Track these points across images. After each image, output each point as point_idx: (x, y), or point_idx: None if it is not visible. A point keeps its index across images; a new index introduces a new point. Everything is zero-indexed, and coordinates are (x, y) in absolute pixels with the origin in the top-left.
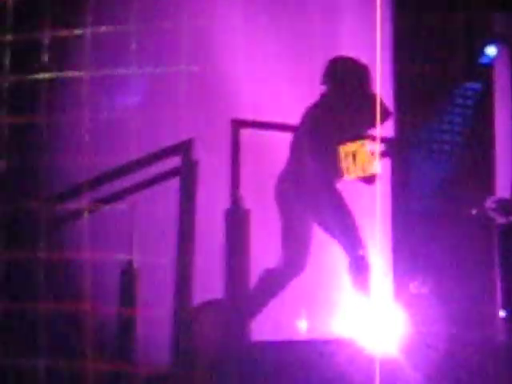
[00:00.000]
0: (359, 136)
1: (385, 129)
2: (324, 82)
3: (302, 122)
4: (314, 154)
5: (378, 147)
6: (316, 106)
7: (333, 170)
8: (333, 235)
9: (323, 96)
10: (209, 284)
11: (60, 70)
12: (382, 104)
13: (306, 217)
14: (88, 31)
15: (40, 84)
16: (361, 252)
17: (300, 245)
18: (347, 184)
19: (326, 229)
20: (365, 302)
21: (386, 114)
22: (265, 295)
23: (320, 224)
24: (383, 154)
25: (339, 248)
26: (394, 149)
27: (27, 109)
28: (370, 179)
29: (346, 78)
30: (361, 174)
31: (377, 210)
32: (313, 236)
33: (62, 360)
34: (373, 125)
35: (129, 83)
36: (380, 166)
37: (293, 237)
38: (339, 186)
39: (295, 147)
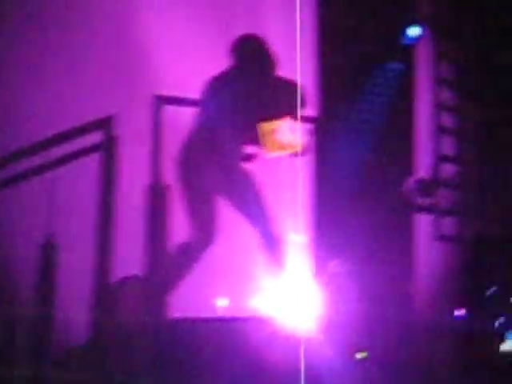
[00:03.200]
0: (279, 114)
1: (307, 108)
2: (241, 61)
3: (216, 94)
4: (233, 130)
5: (300, 125)
6: (232, 79)
7: (252, 146)
8: (243, 210)
9: (239, 73)
10: (129, 260)
11: None
12: (299, 85)
13: (215, 190)
14: None
15: None
16: (271, 227)
17: (207, 218)
18: (269, 162)
19: (237, 203)
20: (282, 279)
21: (303, 96)
22: (179, 269)
23: (231, 199)
24: (305, 133)
25: (250, 224)
26: (316, 127)
27: None
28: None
29: (263, 58)
30: (281, 152)
31: (299, 189)
32: (219, 210)
33: None
34: (292, 105)
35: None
36: (301, 145)
37: (200, 210)
38: (258, 162)
39: (208, 121)
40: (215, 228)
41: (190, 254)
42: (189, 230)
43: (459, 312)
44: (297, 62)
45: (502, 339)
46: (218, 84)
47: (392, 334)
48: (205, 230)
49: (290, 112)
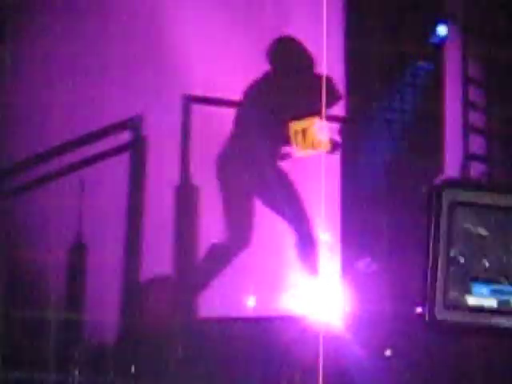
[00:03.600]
0: (309, 113)
1: (336, 107)
2: (271, 60)
3: (249, 97)
4: (263, 130)
5: (329, 125)
6: (263, 82)
7: (281, 145)
8: (279, 211)
9: (270, 73)
10: (158, 259)
11: None
12: (330, 85)
13: (251, 192)
14: None
15: None
16: (307, 228)
17: (244, 220)
18: (297, 161)
19: (272, 205)
20: (312, 279)
21: (332, 95)
22: (212, 271)
23: (266, 200)
24: (334, 132)
25: (286, 224)
26: (344, 127)
27: None
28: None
29: (291, 56)
30: (311, 151)
31: (327, 187)
32: (256, 211)
33: None
34: (321, 105)
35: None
36: (330, 144)
37: (238, 213)
38: (289, 162)
39: (242, 123)
40: (251, 231)
41: (225, 256)
42: (224, 231)
43: None
44: (324, 61)
45: None
46: (251, 86)
47: (420, 333)
48: (241, 232)
49: (320, 111)
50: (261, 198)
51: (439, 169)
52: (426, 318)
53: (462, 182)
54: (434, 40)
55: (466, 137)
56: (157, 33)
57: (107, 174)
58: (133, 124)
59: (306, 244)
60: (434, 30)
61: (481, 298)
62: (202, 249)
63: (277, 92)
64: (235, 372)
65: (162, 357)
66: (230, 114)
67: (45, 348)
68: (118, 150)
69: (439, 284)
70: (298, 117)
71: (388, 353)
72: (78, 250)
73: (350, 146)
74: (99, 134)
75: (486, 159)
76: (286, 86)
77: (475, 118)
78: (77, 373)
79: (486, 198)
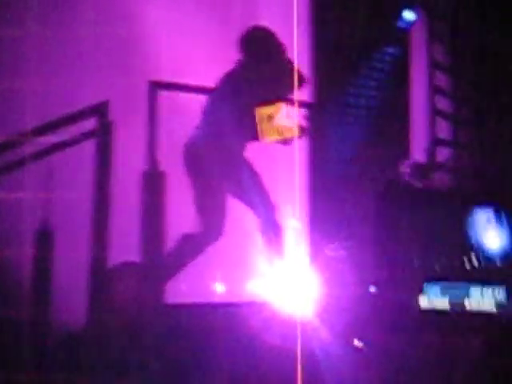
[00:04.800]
0: (276, 99)
1: (303, 92)
2: (240, 49)
3: (219, 85)
4: (232, 117)
5: (296, 110)
6: (232, 70)
7: (250, 132)
8: (244, 198)
9: (239, 61)
10: (125, 246)
11: None
12: (297, 71)
13: (220, 180)
14: None
15: None
16: (272, 214)
17: (216, 209)
18: (265, 147)
19: (239, 191)
20: (279, 264)
21: (300, 81)
22: (183, 259)
23: (233, 186)
24: (301, 118)
25: (250, 210)
26: (312, 113)
27: None
28: (286, 141)
29: (260, 45)
30: (278, 137)
31: (295, 174)
32: (227, 199)
33: None
34: (289, 90)
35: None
36: (297, 129)
37: (209, 201)
38: (256, 148)
39: (211, 110)
40: (220, 217)
41: (196, 244)
42: (192, 217)
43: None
44: (293, 46)
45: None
46: (222, 73)
47: (389, 319)
48: (213, 221)
49: (286, 96)
50: (228, 185)
51: (406, 154)
52: None
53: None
54: (400, 25)
55: (432, 122)
56: (125, 19)
57: (74, 161)
58: (99, 110)
59: (271, 230)
60: (400, 15)
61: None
62: (170, 236)
63: (245, 78)
64: (203, 359)
65: (131, 344)
66: (197, 100)
67: (12, 338)
68: (84, 137)
69: None
70: (265, 103)
71: (358, 342)
72: (45, 239)
73: (317, 132)
74: (66, 120)
75: (452, 144)
76: (254, 72)
77: (441, 103)
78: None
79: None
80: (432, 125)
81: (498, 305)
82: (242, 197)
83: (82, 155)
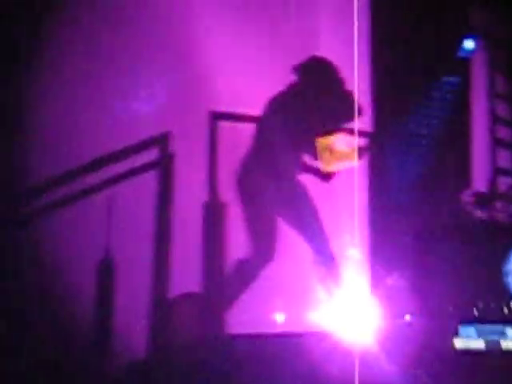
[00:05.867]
0: (335, 128)
1: (363, 122)
2: (300, 78)
3: (275, 113)
4: (289, 145)
5: (356, 140)
6: (290, 99)
7: (308, 161)
8: (299, 227)
9: (298, 90)
10: (185, 277)
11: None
12: (356, 101)
13: (273, 208)
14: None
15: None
16: (326, 244)
17: (266, 234)
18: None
19: (294, 220)
20: (339, 294)
21: (359, 111)
22: (238, 286)
23: (288, 215)
24: (361, 148)
25: (304, 240)
26: (371, 142)
27: None
28: (327, 176)
29: (319, 73)
30: (338, 167)
31: (355, 202)
32: (277, 225)
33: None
34: (348, 119)
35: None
36: (357, 160)
37: (258, 226)
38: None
39: (266, 138)
40: (274, 244)
41: (249, 270)
42: (248, 246)
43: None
44: (353, 75)
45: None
46: (277, 101)
47: (450, 349)
48: (264, 246)
49: (345, 125)
50: (286, 214)
51: (467, 183)
52: None
53: None
54: (460, 54)
55: (493, 151)
56: (184, 50)
57: (135, 192)
58: (160, 141)
59: (326, 261)
60: (460, 45)
61: None
62: (230, 265)
63: (303, 107)
64: None
65: (192, 374)
66: (256, 129)
67: (74, 367)
68: (146, 168)
69: None
70: (325, 133)
71: (418, 371)
72: (107, 269)
73: (377, 161)
74: (127, 151)
75: None
76: (312, 100)
77: (502, 131)
78: None
79: None
80: (493, 154)
81: None
82: (297, 225)
83: (144, 186)
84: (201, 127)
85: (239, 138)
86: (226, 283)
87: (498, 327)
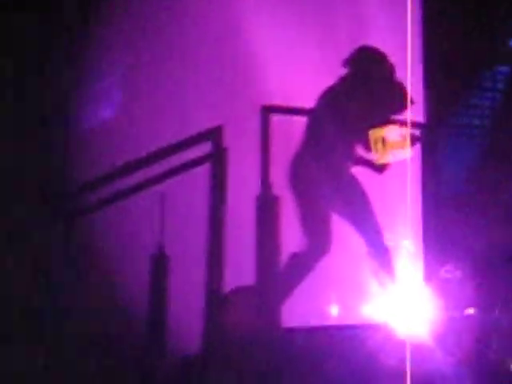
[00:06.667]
0: (388, 120)
1: (415, 114)
2: (349, 68)
3: (326, 105)
4: (342, 138)
5: (408, 132)
6: (341, 90)
7: (359, 152)
8: (351, 219)
9: (348, 81)
10: (240, 270)
11: None
12: (407, 91)
13: (326, 199)
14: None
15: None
16: (380, 236)
17: (321, 227)
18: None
19: (347, 212)
20: (393, 286)
21: (410, 102)
22: (292, 279)
23: (340, 207)
24: (413, 139)
25: (358, 234)
26: (424, 133)
27: None
28: (381, 168)
29: (370, 64)
30: (391, 159)
31: (407, 195)
32: (332, 218)
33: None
34: (399, 110)
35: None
36: (410, 151)
37: (313, 219)
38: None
39: (318, 130)
40: (329, 237)
41: (304, 263)
42: (302, 239)
43: None
44: (405, 66)
45: None
46: (329, 93)
47: (507, 342)
48: (319, 239)
49: (396, 116)
50: (339, 207)
51: None
52: None
53: None
54: None
55: None
56: (236, 44)
57: (188, 186)
58: (213, 135)
59: (380, 253)
60: None
61: None
62: (285, 259)
63: (355, 99)
64: (319, 382)
65: (246, 368)
66: (308, 122)
67: (126, 363)
68: (198, 162)
69: None
70: (378, 125)
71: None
72: (160, 263)
73: (430, 153)
74: (180, 145)
75: None
76: (364, 92)
77: None
78: None
79: None
80: None
81: None
82: (349, 217)
83: (196, 180)
84: (253, 121)
85: (292, 132)
86: (280, 277)
87: None
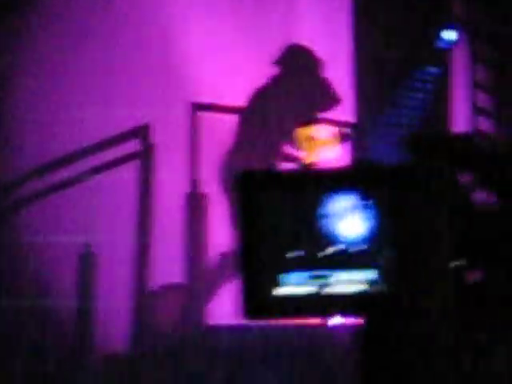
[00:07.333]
0: (316, 119)
1: (345, 112)
2: (278, 66)
3: (253, 104)
4: (272, 137)
5: (337, 130)
6: (270, 88)
7: (289, 151)
8: None
9: (275, 79)
10: (167, 267)
11: None
12: (332, 89)
13: None
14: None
15: None
16: None
17: None
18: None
19: None
20: None
21: (337, 100)
22: (221, 277)
23: None
24: (342, 138)
25: None
26: (353, 132)
27: None
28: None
29: (298, 62)
30: (318, 157)
31: None
32: None
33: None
34: (327, 109)
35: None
36: (339, 149)
37: None
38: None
39: (247, 129)
40: None
41: (234, 262)
42: (230, 237)
43: None
44: (333, 65)
45: None
46: (257, 92)
47: None
48: None
49: (323, 114)
50: None
51: None
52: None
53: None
54: (441, 45)
55: None
56: (164, 41)
57: (117, 183)
58: (141, 133)
59: None
60: (441, 35)
61: None
62: (212, 256)
63: (282, 97)
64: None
65: (173, 366)
66: (237, 120)
67: (53, 358)
68: (127, 159)
69: None
70: (305, 123)
71: None
72: (87, 261)
73: (359, 152)
74: (109, 142)
75: None
76: (292, 90)
77: (483, 123)
78: None
79: None
80: None
81: None
82: None
83: (124, 177)
84: (181, 118)
85: (220, 129)
86: (208, 274)
87: None
